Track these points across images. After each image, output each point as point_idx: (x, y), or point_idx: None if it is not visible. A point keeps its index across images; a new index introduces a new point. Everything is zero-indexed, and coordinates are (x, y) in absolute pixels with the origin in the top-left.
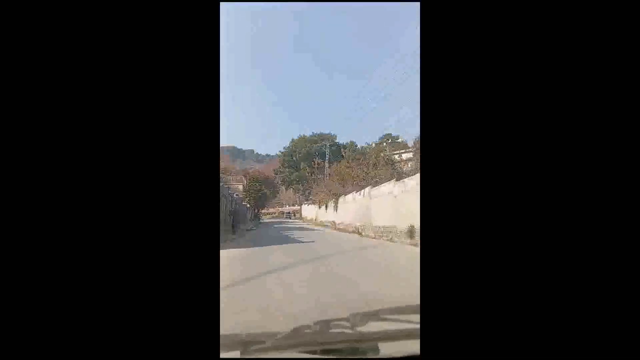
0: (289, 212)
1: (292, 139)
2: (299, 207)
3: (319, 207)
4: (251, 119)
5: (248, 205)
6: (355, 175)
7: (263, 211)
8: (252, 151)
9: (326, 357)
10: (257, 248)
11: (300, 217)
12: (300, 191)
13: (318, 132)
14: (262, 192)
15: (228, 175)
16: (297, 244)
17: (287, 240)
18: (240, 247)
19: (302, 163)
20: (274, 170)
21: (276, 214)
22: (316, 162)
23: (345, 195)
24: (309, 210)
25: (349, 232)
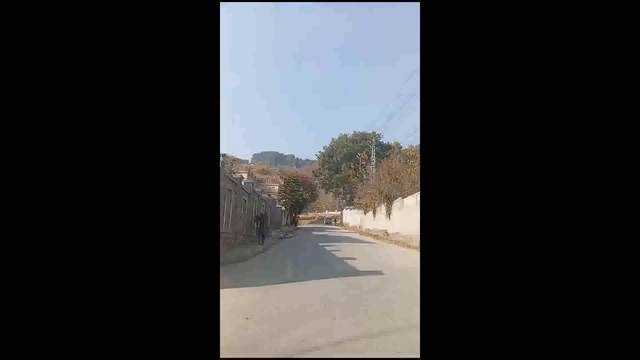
0: (329, 218)
1: (332, 139)
2: (339, 213)
3: (365, 213)
4: (292, 125)
5: (283, 209)
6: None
7: (301, 216)
8: (293, 156)
9: None
10: (285, 289)
11: (341, 224)
12: (341, 195)
13: (360, 131)
14: (299, 193)
15: (265, 174)
16: (358, 277)
17: (333, 265)
18: (257, 285)
19: (343, 164)
20: (313, 172)
21: (315, 219)
22: (361, 159)
23: (403, 198)
24: (351, 217)
25: (414, 249)
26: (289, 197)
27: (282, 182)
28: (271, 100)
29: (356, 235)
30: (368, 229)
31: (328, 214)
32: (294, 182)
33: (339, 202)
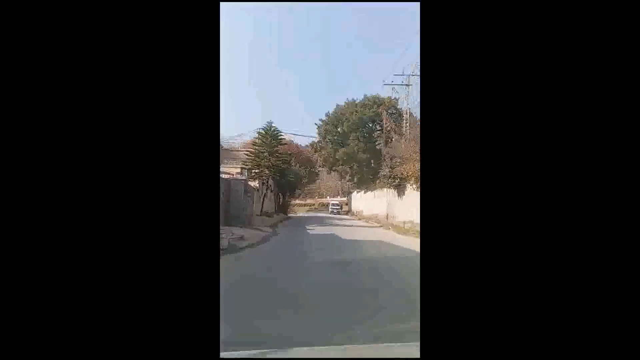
0: (336, 204)
1: (337, 105)
2: (344, 199)
3: (399, 195)
4: (291, 102)
5: (254, 185)
6: None
7: (297, 202)
8: (292, 136)
9: None
10: None
11: (350, 212)
12: (348, 175)
13: (373, 94)
14: (283, 157)
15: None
16: None
17: None
18: None
19: (351, 135)
20: (312, 145)
21: (315, 206)
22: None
23: None
24: (365, 202)
25: None
26: (269, 165)
27: (256, 142)
28: (271, 77)
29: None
30: (412, 221)
31: (333, 200)
32: (273, 138)
33: (343, 185)
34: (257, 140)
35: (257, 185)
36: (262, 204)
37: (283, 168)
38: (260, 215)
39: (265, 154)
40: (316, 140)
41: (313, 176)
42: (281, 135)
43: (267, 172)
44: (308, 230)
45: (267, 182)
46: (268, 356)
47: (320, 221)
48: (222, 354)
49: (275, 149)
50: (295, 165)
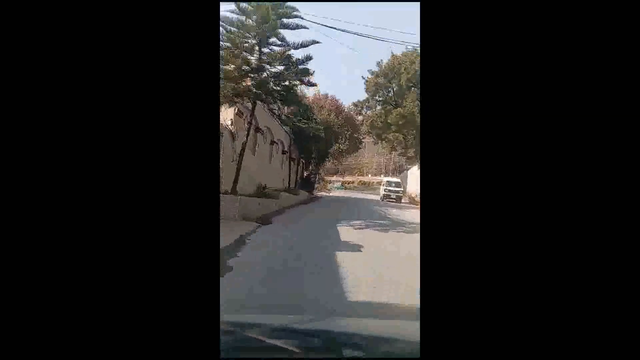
0: (394, 184)
1: (392, 54)
2: (393, 177)
3: None
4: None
5: (229, 126)
6: None
7: (334, 178)
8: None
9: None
10: None
11: (406, 196)
12: (401, 145)
13: None
14: (298, 68)
15: None
16: None
17: None
18: None
19: (409, 93)
20: (355, 104)
21: (355, 185)
22: None
23: None
24: None
25: None
26: (257, 75)
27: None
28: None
29: None
30: None
31: (388, 178)
32: (275, 15)
33: (387, 162)
34: (232, 16)
35: (231, 125)
36: (239, 168)
37: (296, 95)
38: (235, 193)
39: (251, 46)
40: (362, 99)
41: (355, 144)
42: (296, 12)
43: (251, 88)
44: (339, 260)
45: (252, 112)
46: (268, 355)
47: (366, 212)
48: (223, 354)
49: (275, 35)
50: (331, 116)
